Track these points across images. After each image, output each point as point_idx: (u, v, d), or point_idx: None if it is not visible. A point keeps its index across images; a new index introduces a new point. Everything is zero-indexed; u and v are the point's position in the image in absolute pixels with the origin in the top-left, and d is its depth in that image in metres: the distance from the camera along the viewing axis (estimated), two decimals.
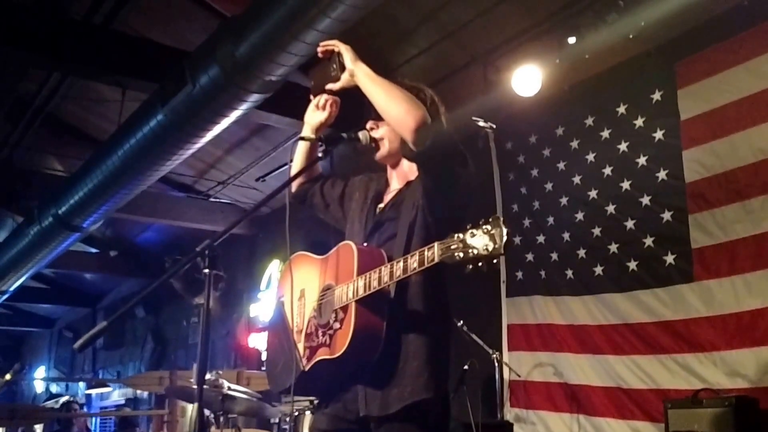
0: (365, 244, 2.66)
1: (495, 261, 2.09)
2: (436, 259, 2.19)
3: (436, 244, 2.20)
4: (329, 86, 2.68)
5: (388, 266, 2.37)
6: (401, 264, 2.33)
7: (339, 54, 2.63)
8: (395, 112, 2.48)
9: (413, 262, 2.28)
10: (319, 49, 2.71)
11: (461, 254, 2.11)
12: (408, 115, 2.44)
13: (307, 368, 2.55)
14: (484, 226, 2.10)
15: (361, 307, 2.41)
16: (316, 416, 2.72)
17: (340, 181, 3.00)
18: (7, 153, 9.26)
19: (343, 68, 2.61)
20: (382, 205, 2.79)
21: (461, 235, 2.13)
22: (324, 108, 2.85)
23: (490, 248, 2.07)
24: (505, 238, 2.06)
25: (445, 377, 2.51)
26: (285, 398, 5.61)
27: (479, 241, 2.09)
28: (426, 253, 2.24)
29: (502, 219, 2.09)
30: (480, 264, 2.10)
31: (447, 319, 2.67)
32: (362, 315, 2.40)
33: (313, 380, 2.58)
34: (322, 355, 2.50)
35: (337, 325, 2.46)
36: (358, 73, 2.58)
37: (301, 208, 3.02)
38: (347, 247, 2.56)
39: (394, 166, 2.80)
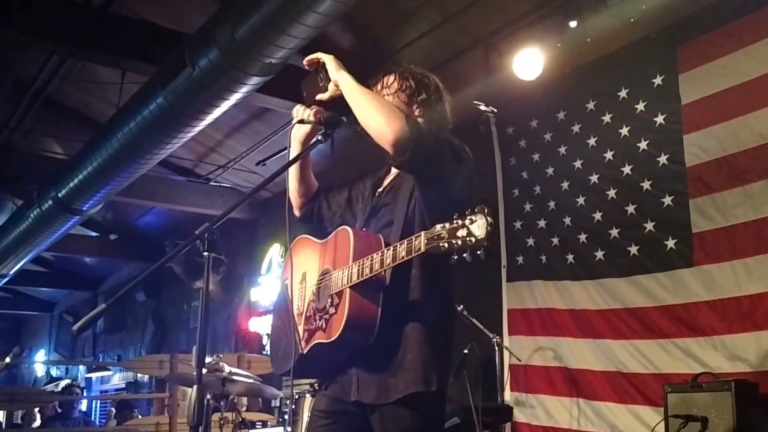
0: (363, 229, 2.66)
1: (479, 252, 2.06)
2: (423, 249, 2.19)
3: (422, 234, 2.20)
4: (318, 97, 2.72)
5: (380, 254, 2.37)
6: (391, 252, 2.33)
7: (324, 64, 2.67)
8: (373, 123, 2.47)
9: (402, 250, 2.29)
10: (305, 62, 2.74)
11: (446, 245, 2.10)
12: (386, 127, 2.41)
13: (305, 351, 2.58)
14: (468, 217, 2.09)
15: (356, 293, 2.42)
16: (317, 398, 2.75)
17: (344, 188, 2.99)
18: (7, 136, 9.24)
19: (329, 78, 2.64)
20: (380, 189, 2.80)
21: (446, 225, 2.12)
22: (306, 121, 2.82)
23: (473, 240, 2.06)
24: (488, 229, 2.05)
25: (444, 369, 2.50)
26: (286, 381, 5.64)
27: (463, 231, 2.08)
28: (413, 242, 2.24)
29: (486, 210, 2.08)
30: (464, 255, 2.08)
31: (450, 311, 2.65)
32: (356, 301, 2.41)
33: (312, 363, 2.60)
34: (319, 338, 2.52)
35: (332, 310, 2.48)
36: (341, 82, 2.60)
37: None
38: (344, 232, 2.57)
39: None
